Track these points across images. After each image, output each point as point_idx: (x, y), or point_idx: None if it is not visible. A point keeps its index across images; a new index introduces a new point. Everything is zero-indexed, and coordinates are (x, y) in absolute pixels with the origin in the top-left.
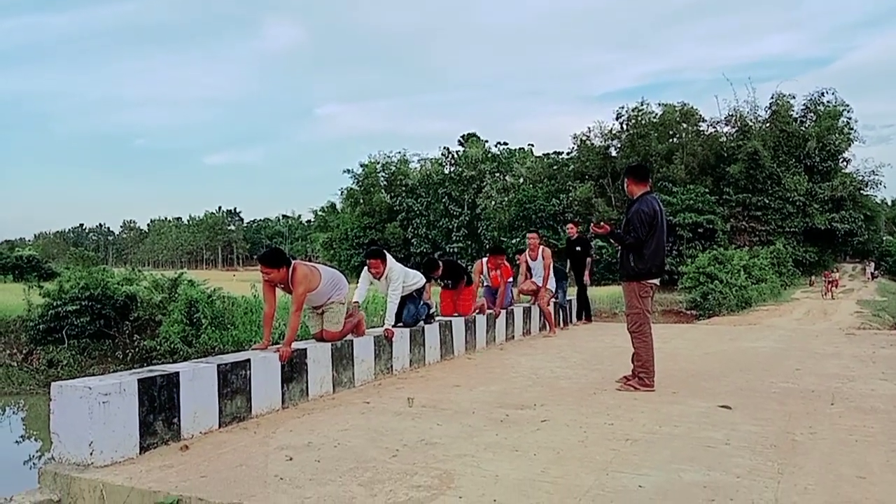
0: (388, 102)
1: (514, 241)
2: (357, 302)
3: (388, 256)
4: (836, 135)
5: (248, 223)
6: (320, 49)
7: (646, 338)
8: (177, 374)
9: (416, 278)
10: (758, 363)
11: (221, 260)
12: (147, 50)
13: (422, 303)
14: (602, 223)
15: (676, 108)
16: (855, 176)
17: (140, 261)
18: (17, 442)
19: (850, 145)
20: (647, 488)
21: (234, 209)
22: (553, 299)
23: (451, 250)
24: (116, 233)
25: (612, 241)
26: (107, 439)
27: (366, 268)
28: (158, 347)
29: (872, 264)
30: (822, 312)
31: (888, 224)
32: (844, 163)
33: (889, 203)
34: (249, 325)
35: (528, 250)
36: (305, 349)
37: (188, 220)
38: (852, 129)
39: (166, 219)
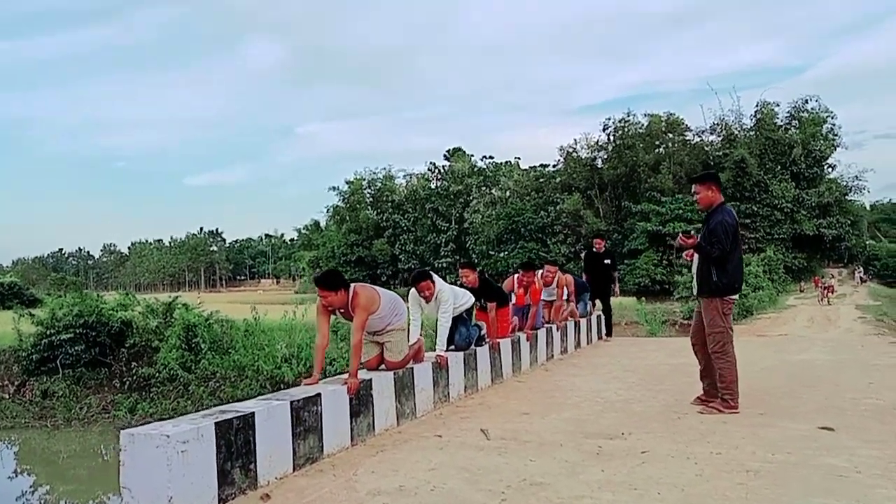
0: (369, 120)
1: (501, 254)
2: (421, 338)
3: (436, 277)
4: (821, 141)
5: (230, 243)
6: (300, 68)
7: (730, 357)
8: (252, 414)
9: (465, 297)
10: (823, 377)
11: (204, 281)
12: (127, 72)
13: (472, 324)
14: (691, 234)
15: (662, 119)
16: (840, 181)
17: (121, 284)
18: (9, 478)
19: (834, 151)
20: None
21: (216, 230)
22: (579, 316)
23: (440, 266)
24: (96, 257)
25: (697, 253)
26: (186, 493)
27: (413, 292)
28: (157, 374)
29: (861, 269)
30: (826, 319)
31: (871, 228)
32: (829, 169)
33: (867, 207)
34: (251, 347)
35: (542, 278)
36: (371, 379)
37: (170, 242)
38: (836, 134)
39: (147, 241)
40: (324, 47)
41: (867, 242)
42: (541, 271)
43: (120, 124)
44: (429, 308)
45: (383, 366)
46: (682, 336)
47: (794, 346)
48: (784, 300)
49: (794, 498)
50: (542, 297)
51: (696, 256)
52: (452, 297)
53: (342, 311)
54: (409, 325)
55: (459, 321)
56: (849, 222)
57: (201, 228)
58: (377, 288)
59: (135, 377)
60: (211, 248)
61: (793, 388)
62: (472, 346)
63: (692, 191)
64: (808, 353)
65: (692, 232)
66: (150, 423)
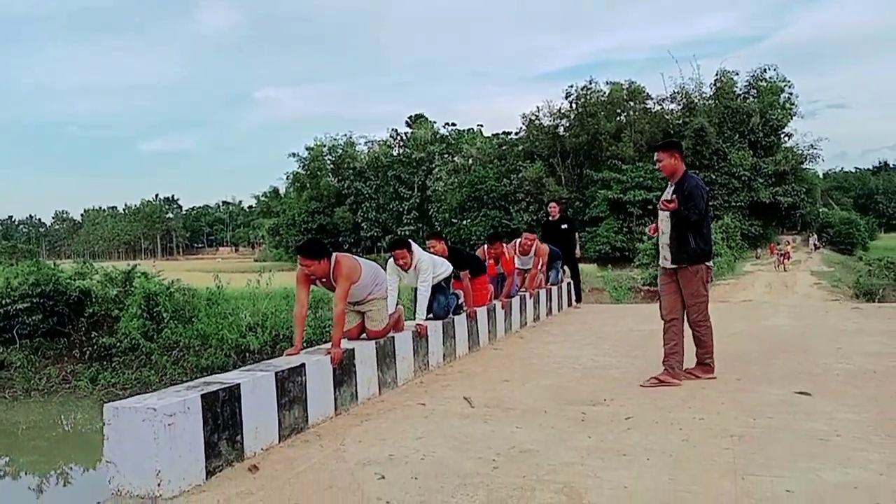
0: (329, 85)
1: (465, 222)
2: (400, 307)
3: (413, 245)
4: (779, 110)
5: (187, 211)
6: (257, 32)
7: (710, 323)
8: (237, 385)
9: (444, 266)
10: (793, 343)
11: (161, 249)
12: (79, 36)
13: (451, 292)
14: (673, 198)
15: (623, 87)
16: (795, 150)
17: (75, 252)
18: None
19: (790, 120)
20: (797, 493)
21: (172, 197)
22: (551, 284)
23: (403, 233)
24: (48, 224)
25: (677, 217)
26: (174, 466)
27: (391, 262)
28: (118, 344)
29: (815, 236)
30: (784, 285)
31: (824, 196)
32: (786, 138)
33: (821, 176)
34: (214, 316)
35: (519, 245)
36: (353, 349)
37: (124, 210)
38: (793, 104)
39: (101, 208)
40: (281, 11)
41: (821, 210)
42: (519, 239)
43: (71, 90)
44: (408, 277)
45: (364, 335)
46: (646, 303)
47: (760, 312)
48: (741, 266)
49: (780, 462)
50: (516, 266)
51: (662, 227)
52: (432, 266)
53: (324, 280)
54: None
55: (438, 290)
56: (804, 190)
57: (157, 195)
58: (358, 258)
59: (95, 347)
60: (167, 216)
61: (764, 353)
62: (451, 315)
63: (655, 158)
64: (774, 318)
65: (674, 196)
66: (113, 392)
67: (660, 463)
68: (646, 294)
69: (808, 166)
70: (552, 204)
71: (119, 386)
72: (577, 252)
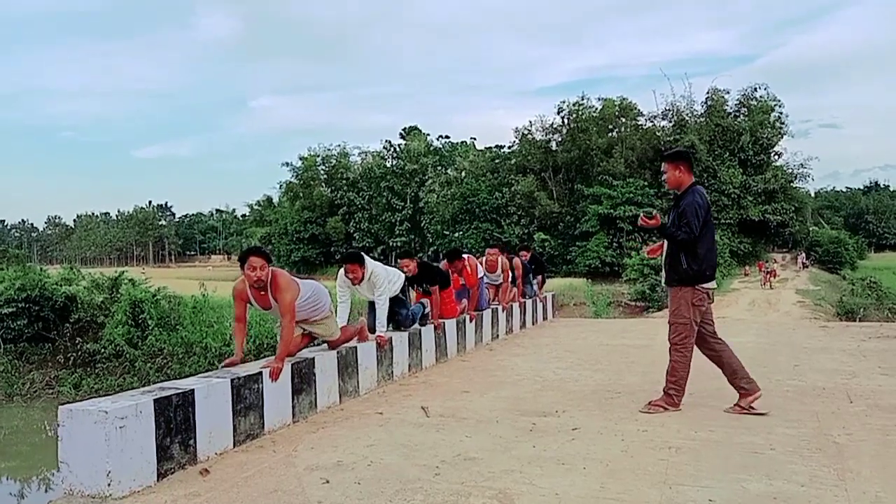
0: (324, 95)
1: (456, 234)
2: (363, 319)
3: (366, 258)
4: (769, 129)
5: (180, 218)
6: (254, 41)
7: (687, 352)
8: (192, 391)
9: (397, 277)
10: (753, 359)
11: (153, 256)
12: (74, 40)
13: (416, 304)
14: (653, 214)
15: (616, 103)
16: (785, 169)
17: (66, 258)
18: None
19: (781, 139)
20: (717, 502)
21: (166, 204)
22: (525, 297)
23: (395, 244)
24: (41, 229)
25: (660, 236)
26: (124, 467)
27: (341, 273)
28: (103, 350)
29: (803, 254)
30: (767, 303)
31: (814, 215)
32: (776, 156)
33: (812, 195)
34: (199, 324)
35: (486, 263)
36: (313, 358)
37: (117, 216)
38: (783, 123)
39: (94, 214)
40: (278, 19)
41: (810, 229)
42: (485, 257)
43: (65, 93)
44: (361, 290)
45: (313, 344)
46: (626, 318)
47: (731, 329)
48: (729, 284)
49: (710, 473)
50: (486, 281)
51: (665, 244)
52: (386, 278)
53: (262, 292)
54: (336, 307)
55: (397, 303)
56: (793, 209)
57: (150, 202)
58: (295, 277)
59: (80, 353)
60: (160, 223)
61: None
62: (417, 325)
63: (661, 169)
64: (743, 336)
65: (654, 212)
66: (93, 398)
67: (595, 472)
68: (627, 308)
69: (798, 185)
70: (523, 252)
71: (102, 392)
72: (538, 291)
